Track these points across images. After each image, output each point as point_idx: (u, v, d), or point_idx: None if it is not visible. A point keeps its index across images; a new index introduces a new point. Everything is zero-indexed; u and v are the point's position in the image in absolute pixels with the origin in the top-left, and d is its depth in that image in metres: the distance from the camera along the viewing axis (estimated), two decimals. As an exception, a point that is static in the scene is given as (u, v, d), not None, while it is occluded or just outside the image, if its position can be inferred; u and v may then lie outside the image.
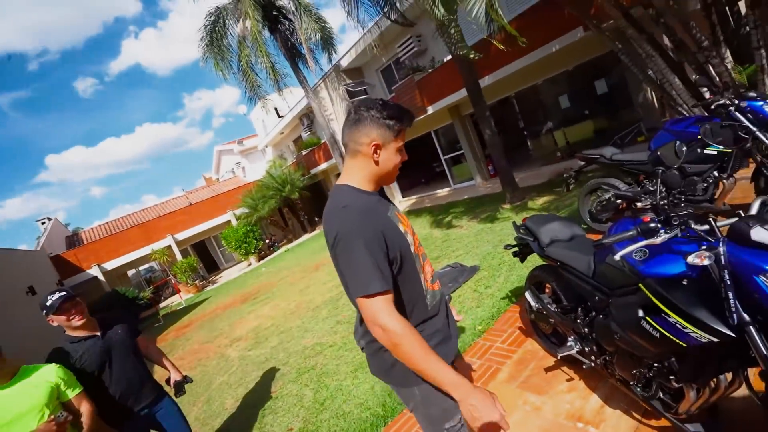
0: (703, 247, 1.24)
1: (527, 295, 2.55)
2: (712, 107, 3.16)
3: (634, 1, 5.29)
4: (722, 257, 1.18)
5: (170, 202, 23.59)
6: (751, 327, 1.16)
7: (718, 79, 4.66)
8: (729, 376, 1.40)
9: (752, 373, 1.40)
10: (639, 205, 1.55)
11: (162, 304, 16.79)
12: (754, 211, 1.34)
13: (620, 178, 4.16)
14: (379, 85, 14.19)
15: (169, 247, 18.37)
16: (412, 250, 1.27)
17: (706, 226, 1.32)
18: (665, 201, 3.73)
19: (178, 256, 18.24)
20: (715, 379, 1.40)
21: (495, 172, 10.75)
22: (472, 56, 5.05)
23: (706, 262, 1.17)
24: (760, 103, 2.98)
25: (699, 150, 3.30)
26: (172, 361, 2.75)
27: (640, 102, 7.64)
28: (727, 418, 1.70)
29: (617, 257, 1.37)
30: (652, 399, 1.67)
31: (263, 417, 3.64)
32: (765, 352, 1.13)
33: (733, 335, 1.22)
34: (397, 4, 7.28)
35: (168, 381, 2.66)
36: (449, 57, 9.13)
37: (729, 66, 4.60)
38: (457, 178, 13.04)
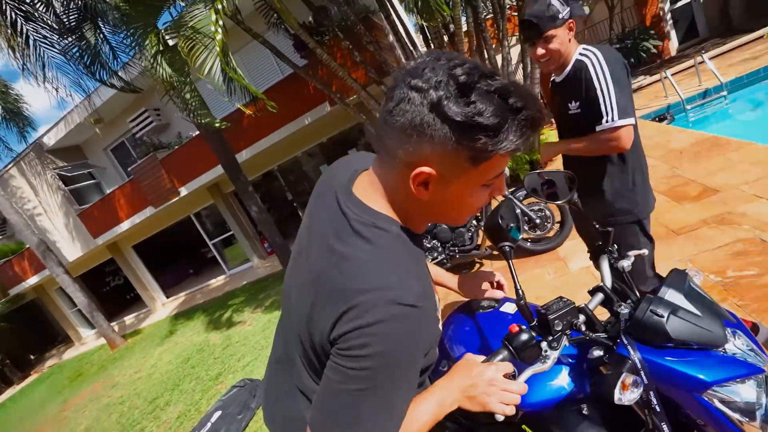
0: (597, 353, 0.83)
1: None
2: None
3: (367, 80, 5.89)
4: (642, 373, 0.76)
5: None
6: None
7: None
8: None
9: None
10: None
11: None
12: (607, 278, 0.99)
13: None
14: (111, 166, 11.38)
15: None
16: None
17: (582, 317, 0.88)
18: (444, 255, 3.88)
19: None
20: None
21: (272, 250, 9.97)
22: (217, 125, 4.29)
23: (637, 393, 0.75)
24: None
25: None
26: None
27: (388, 167, 8.70)
28: None
29: (500, 417, 0.75)
30: None
31: None
32: None
33: None
34: (113, 66, 5.82)
35: None
36: (198, 131, 8.09)
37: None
38: (231, 261, 11.51)
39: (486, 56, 5.77)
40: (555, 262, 3.27)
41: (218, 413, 3.68)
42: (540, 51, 1.47)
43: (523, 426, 0.94)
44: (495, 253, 4.00)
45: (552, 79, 1.67)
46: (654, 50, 8.82)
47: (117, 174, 11.37)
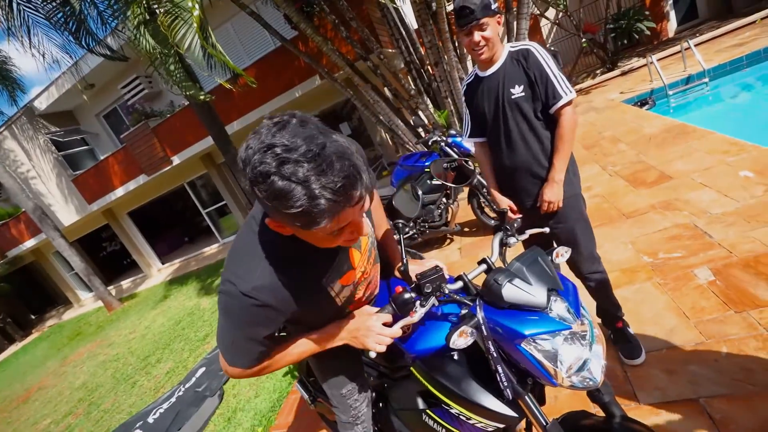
0: (463, 312, 1.04)
1: (298, 386, 1.99)
2: (429, 143, 3.57)
3: (354, 56, 5.91)
4: (483, 326, 0.98)
5: None
6: (526, 397, 1.03)
7: (427, 121, 5.64)
8: None
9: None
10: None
11: None
12: (495, 252, 1.21)
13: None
14: (104, 132, 11.38)
15: None
16: (341, 303, 1.06)
17: (460, 283, 1.10)
18: (414, 230, 4.09)
19: None
20: None
21: (265, 220, 10.16)
22: (202, 98, 4.36)
23: (470, 340, 0.96)
24: (459, 138, 3.55)
25: (429, 181, 3.66)
26: None
27: (378, 141, 8.76)
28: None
29: (372, 354, 1.01)
30: None
31: None
32: (543, 422, 1.03)
33: (518, 416, 1.03)
34: (99, 34, 5.78)
35: None
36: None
37: (432, 111, 5.67)
38: (225, 231, 11.75)
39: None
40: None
41: (202, 369, 3.99)
42: (477, 37, 1.55)
43: (412, 368, 1.16)
44: (465, 229, 4.21)
45: (472, 77, 1.77)
46: (647, 32, 8.69)
47: (110, 141, 11.39)
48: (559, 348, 0.92)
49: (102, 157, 10.61)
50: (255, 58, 7.99)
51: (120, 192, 10.18)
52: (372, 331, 1.00)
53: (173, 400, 3.65)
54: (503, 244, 1.25)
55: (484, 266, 1.14)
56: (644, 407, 1.64)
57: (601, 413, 1.16)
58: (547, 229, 1.44)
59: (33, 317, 15.73)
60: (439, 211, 3.74)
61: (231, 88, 4.52)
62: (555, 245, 1.27)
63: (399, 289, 1.00)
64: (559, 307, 0.96)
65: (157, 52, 4.01)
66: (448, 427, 1.11)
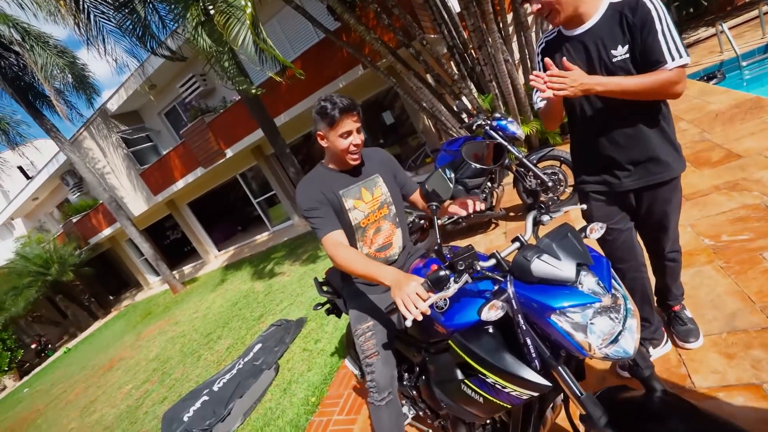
0: (496, 288, 1.09)
1: (347, 363, 2.14)
2: (473, 128, 3.55)
3: (397, 44, 5.93)
4: (512, 301, 1.02)
5: None
6: (559, 368, 1.05)
7: (470, 106, 5.56)
8: (553, 406, 1.30)
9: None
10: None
11: None
12: (528, 230, 1.26)
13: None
14: (165, 129, 12.31)
15: None
16: (354, 222, 1.60)
17: (493, 261, 1.15)
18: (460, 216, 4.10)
19: None
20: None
21: (312, 208, 10.53)
22: (254, 91, 4.61)
23: (500, 313, 1.01)
24: (504, 122, 3.49)
25: (472, 165, 3.64)
26: None
27: (421, 129, 8.74)
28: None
29: (407, 323, 1.07)
30: None
31: None
32: (577, 393, 1.04)
33: (551, 385, 1.07)
34: (161, 36, 6.27)
35: None
36: (239, 96, 8.54)
37: (475, 95, 5.57)
38: (275, 220, 12.34)
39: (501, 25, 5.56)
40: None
41: (259, 345, 4.32)
42: (535, 6, 1.37)
43: (449, 341, 1.24)
44: (511, 214, 4.16)
45: (554, 34, 1.51)
46: (718, -4, 7.86)
47: (170, 136, 12.30)
48: (588, 321, 0.94)
49: (164, 152, 11.50)
50: (300, 52, 8.23)
51: (180, 184, 11.01)
52: (409, 295, 1.08)
53: (234, 372, 4.00)
54: (537, 223, 1.28)
55: (517, 244, 1.17)
56: (700, 390, 1.60)
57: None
58: (584, 206, 1.43)
59: (111, 298, 17.56)
60: (484, 195, 3.72)
61: (281, 81, 4.73)
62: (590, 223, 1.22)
63: (434, 267, 1.08)
64: (589, 281, 0.98)
65: (213, 50, 4.31)
66: (485, 395, 1.17)
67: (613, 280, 1.02)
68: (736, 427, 0.87)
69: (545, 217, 1.25)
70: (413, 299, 1.07)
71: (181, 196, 12.39)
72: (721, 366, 1.64)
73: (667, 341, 1.85)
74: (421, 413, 1.72)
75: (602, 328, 0.95)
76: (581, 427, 1.14)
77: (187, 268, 14.89)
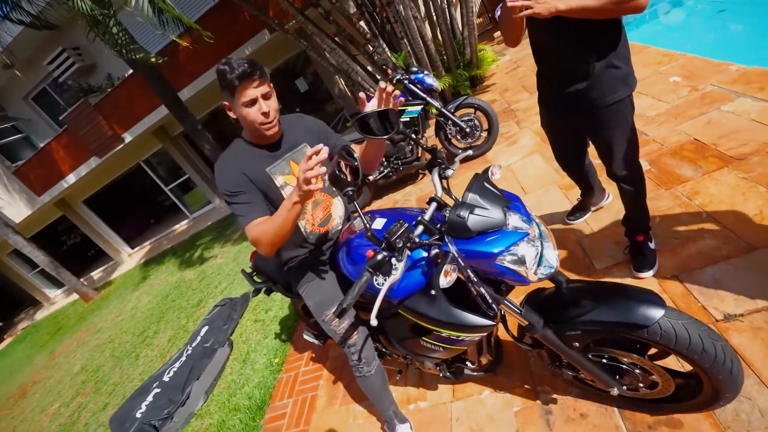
0: (435, 252, 1.15)
1: (305, 336, 2.27)
2: (393, 82, 3.69)
3: (304, 2, 5.70)
4: (459, 259, 1.08)
5: None
6: (505, 301, 1.21)
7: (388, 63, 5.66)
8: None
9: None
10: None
11: None
12: (438, 187, 1.29)
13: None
14: (37, 116, 10.46)
15: None
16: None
17: (421, 227, 1.15)
18: (389, 169, 4.29)
19: None
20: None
21: (234, 188, 10.01)
22: (153, 60, 4.14)
23: (454, 276, 1.01)
24: (421, 75, 3.69)
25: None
26: None
27: (337, 93, 8.66)
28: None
29: (373, 320, 1.04)
30: (456, 375, 1.74)
31: None
32: (518, 311, 1.23)
33: (495, 323, 1.24)
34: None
35: None
36: (131, 71, 7.56)
37: (389, 54, 5.67)
38: (193, 206, 11.48)
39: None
40: (485, 165, 3.78)
41: (206, 328, 4.18)
42: None
43: (399, 310, 1.35)
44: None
45: None
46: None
47: (46, 125, 10.51)
48: (523, 253, 1.06)
49: (42, 144, 9.84)
50: (196, 16, 7.48)
51: (72, 179, 9.61)
52: (301, 172, 1.08)
53: (183, 358, 3.85)
54: (442, 178, 1.32)
55: (434, 204, 1.20)
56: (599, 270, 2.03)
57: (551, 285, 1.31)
58: (470, 152, 1.71)
59: (1, 324, 15.05)
60: (410, 147, 3.95)
61: (188, 46, 4.31)
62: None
63: (370, 253, 1.06)
64: (514, 220, 1.09)
65: (96, 14, 3.72)
66: (444, 345, 1.33)
67: (528, 212, 1.16)
68: (625, 286, 1.17)
69: (449, 171, 1.32)
70: (306, 169, 1.08)
71: (75, 192, 10.82)
72: (611, 251, 2.09)
73: (608, 196, 2.35)
74: (389, 357, 1.90)
75: (530, 255, 1.06)
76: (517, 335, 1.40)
77: (96, 274, 13.28)
